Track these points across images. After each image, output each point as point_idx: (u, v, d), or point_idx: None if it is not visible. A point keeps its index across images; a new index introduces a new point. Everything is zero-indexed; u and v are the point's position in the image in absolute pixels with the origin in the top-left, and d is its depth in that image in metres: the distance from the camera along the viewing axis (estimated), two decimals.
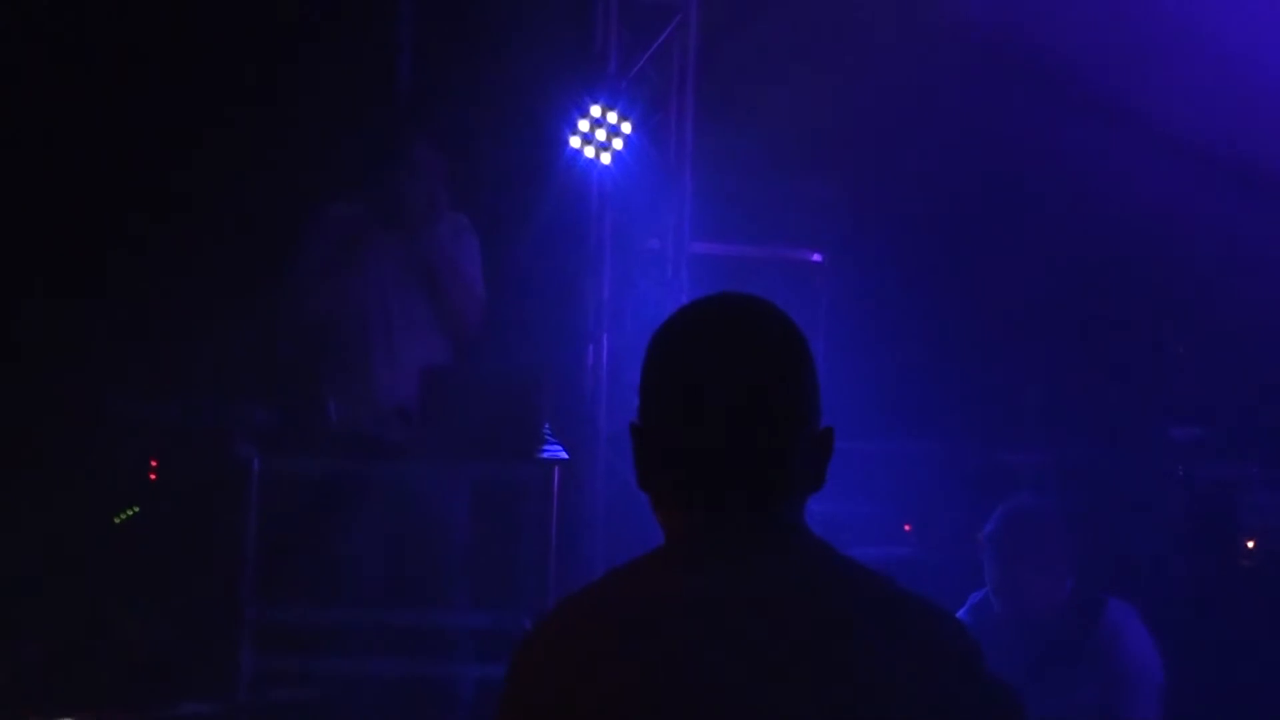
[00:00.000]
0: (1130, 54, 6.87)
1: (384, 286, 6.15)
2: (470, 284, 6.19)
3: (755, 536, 2.08)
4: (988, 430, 7.29)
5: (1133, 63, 6.87)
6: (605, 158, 6.91)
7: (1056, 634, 4.79)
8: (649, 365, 2.15)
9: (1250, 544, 6.74)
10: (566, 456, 5.92)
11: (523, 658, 2.08)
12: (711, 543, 2.08)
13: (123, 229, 7.04)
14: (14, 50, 7.09)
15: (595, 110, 6.86)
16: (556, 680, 2.01)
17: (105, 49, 7.15)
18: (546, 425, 5.94)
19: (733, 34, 7.24)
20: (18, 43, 7.10)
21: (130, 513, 6.76)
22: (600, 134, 6.88)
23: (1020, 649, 4.72)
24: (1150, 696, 4.80)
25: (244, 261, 6.91)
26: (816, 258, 7.80)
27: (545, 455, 5.87)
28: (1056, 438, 7.17)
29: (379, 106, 7.30)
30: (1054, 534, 4.89)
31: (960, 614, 4.98)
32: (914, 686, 1.98)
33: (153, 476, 6.79)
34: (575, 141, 6.89)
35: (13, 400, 6.73)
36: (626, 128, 6.88)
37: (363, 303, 6.14)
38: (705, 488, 2.09)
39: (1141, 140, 6.93)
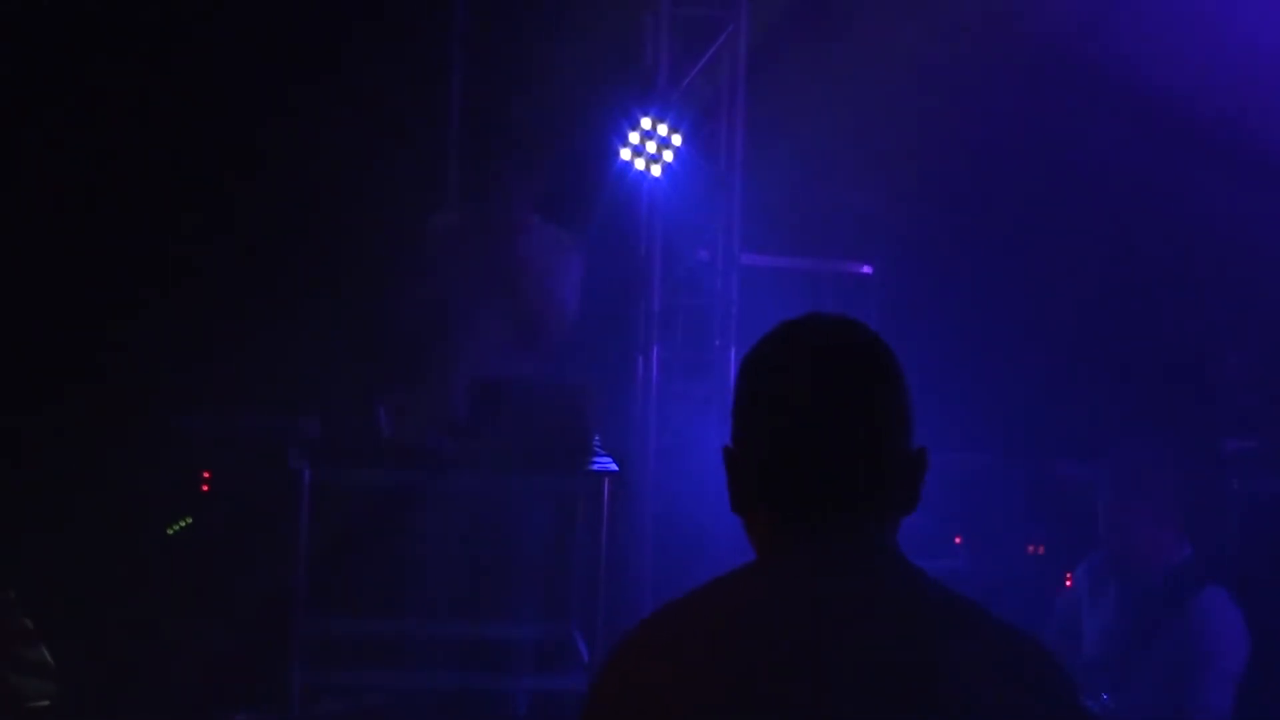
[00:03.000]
0: (1183, 66, 6.82)
1: (466, 297, 6.18)
2: (555, 299, 6.21)
3: (851, 559, 2.06)
4: (1040, 442, 7.25)
5: (1186, 74, 6.82)
6: (655, 170, 6.91)
7: (1158, 592, 4.81)
8: (743, 388, 2.13)
9: None
10: (616, 469, 5.92)
11: (609, 670, 2.07)
12: (808, 565, 2.06)
13: (176, 242, 7.08)
14: (72, 71, 7.14)
15: (645, 122, 6.86)
16: (639, 692, 2.00)
17: (161, 67, 7.19)
18: (596, 437, 5.94)
19: (783, 46, 7.22)
20: (80, 66, 7.16)
21: (183, 524, 6.79)
22: (650, 146, 6.87)
23: (1115, 597, 4.77)
24: (1223, 683, 4.79)
25: (297, 274, 6.94)
26: (867, 269, 7.78)
27: (595, 467, 5.87)
28: (1109, 449, 7.11)
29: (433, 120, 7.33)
30: (1170, 484, 4.90)
31: (1078, 570, 5.06)
32: (1002, 716, 1.96)
33: (205, 488, 6.82)
34: (625, 154, 6.89)
35: (67, 412, 6.77)
36: (676, 140, 6.88)
37: (445, 313, 6.17)
38: (804, 509, 2.07)
39: (1195, 152, 6.89)
